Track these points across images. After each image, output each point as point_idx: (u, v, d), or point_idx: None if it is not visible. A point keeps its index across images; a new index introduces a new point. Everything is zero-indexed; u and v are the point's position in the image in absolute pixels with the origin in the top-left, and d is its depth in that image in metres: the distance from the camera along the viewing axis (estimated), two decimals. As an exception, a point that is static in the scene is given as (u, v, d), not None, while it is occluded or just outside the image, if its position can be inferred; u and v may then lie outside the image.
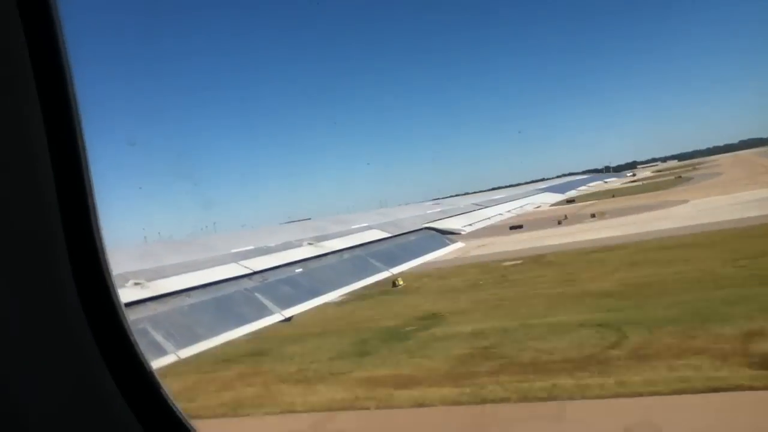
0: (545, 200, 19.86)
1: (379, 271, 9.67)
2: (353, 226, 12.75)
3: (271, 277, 7.98)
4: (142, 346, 3.01)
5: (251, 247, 9.27)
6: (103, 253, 2.56)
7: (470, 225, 14.89)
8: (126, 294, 5.66)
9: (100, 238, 2.52)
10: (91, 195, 2.47)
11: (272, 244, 9.86)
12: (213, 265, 7.84)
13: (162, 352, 4.98)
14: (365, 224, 13.07)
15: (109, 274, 2.57)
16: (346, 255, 10.02)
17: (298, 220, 17.19)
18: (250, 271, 7.82)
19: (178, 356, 5.01)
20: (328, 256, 9.67)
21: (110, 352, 2.57)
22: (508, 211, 17.70)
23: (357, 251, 10.45)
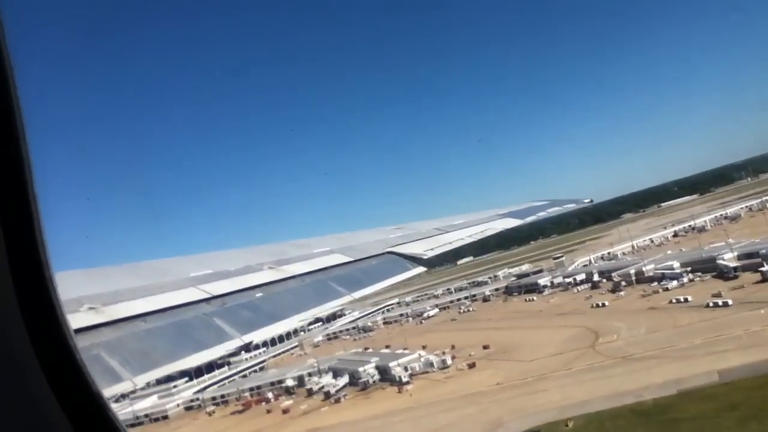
0: (505, 225, 20.14)
1: (341, 295, 9.63)
2: (314, 251, 12.69)
3: (231, 301, 7.86)
4: (97, 373, 2.93)
5: (210, 271, 9.13)
6: (51, 276, 2.48)
7: (432, 249, 14.98)
8: (80, 319, 5.50)
9: (47, 257, 2.42)
10: (37, 209, 2.34)
11: (232, 268, 9.74)
12: (171, 290, 7.68)
13: (117, 378, 4.84)
14: (327, 248, 13.03)
15: (57, 297, 2.49)
16: (307, 279, 9.95)
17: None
18: (209, 296, 7.69)
19: (134, 383, 4.88)
20: (289, 281, 9.59)
21: (58, 379, 2.49)
22: (469, 236, 17.88)
23: (318, 275, 10.40)
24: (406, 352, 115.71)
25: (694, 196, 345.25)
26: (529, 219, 21.14)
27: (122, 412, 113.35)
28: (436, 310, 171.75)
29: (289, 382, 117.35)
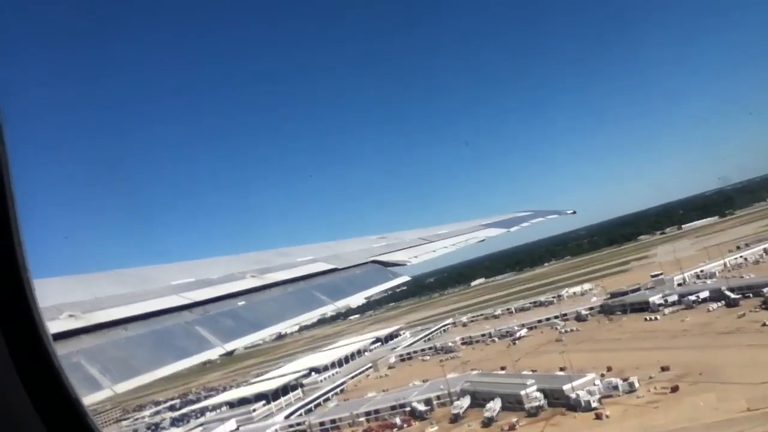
0: (489, 234, 20.24)
1: (324, 303, 9.61)
2: (298, 259, 12.66)
3: (213, 309, 7.82)
4: (77, 380, 2.91)
5: (192, 279, 9.07)
6: (28, 279, 2.44)
7: (416, 257, 14.99)
8: (60, 326, 5.44)
9: (24, 260, 2.38)
10: (14, 211, 2.29)
11: (214, 277, 9.68)
12: (152, 297, 7.62)
13: (97, 386, 4.79)
14: (310, 257, 13.00)
15: (35, 301, 2.46)
16: (290, 288, 9.92)
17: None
18: (191, 303, 7.65)
19: (113, 390, 4.83)
20: (272, 289, 9.56)
21: (36, 386, 2.46)
22: (453, 245, 17.92)
23: (301, 284, 10.37)
24: (573, 374, 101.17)
25: (715, 218, 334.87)
26: (513, 229, 21.26)
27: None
28: (525, 330, 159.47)
29: (419, 406, 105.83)
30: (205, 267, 11.17)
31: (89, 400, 4.32)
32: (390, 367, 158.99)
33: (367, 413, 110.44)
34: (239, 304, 8.39)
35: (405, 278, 13.57)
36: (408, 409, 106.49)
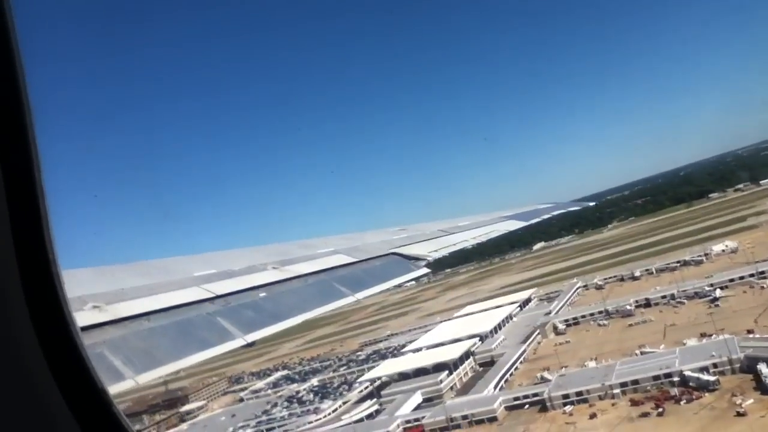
0: (509, 227, 20.14)
1: (344, 295, 9.63)
2: (319, 251, 12.70)
3: (234, 301, 7.88)
4: (100, 371, 2.95)
5: (214, 271, 9.15)
6: (58, 272, 2.49)
7: (436, 251, 14.97)
8: (84, 317, 5.52)
9: (54, 255, 2.43)
10: (44, 206, 2.35)
11: (236, 268, 9.75)
12: (175, 289, 7.71)
13: (120, 377, 4.85)
14: (331, 249, 13.04)
15: (64, 294, 2.50)
16: (311, 279, 9.96)
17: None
18: (213, 295, 7.71)
19: (136, 381, 4.89)
20: (293, 281, 9.60)
21: (64, 376, 2.50)
22: (474, 238, 17.87)
23: (322, 276, 10.41)
24: None
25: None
26: (533, 221, 21.13)
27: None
28: (719, 290, 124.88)
29: (699, 375, 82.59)
30: (228, 258, 11.27)
31: (112, 390, 4.38)
32: (559, 333, 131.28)
33: (623, 384, 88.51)
34: (260, 295, 8.45)
35: (425, 270, 13.56)
36: (676, 378, 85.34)
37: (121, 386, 4.76)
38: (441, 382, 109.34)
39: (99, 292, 6.58)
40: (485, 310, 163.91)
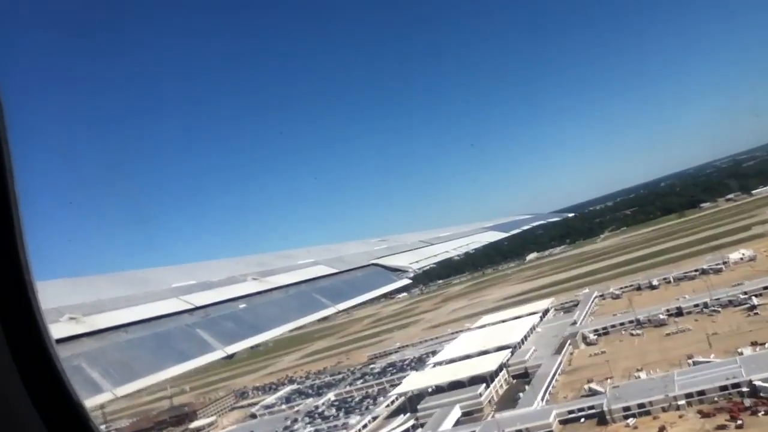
0: (489, 238, 20.24)
1: (325, 306, 9.59)
2: (299, 261, 12.65)
3: (214, 312, 7.81)
4: (78, 383, 2.90)
5: (193, 282, 9.06)
6: (31, 282, 2.44)
7: (417, 262, 14.98)
8: (61, 329, 5.43)
9: (27, 264, 2.38)
10: (17, 213, 2.29)
11: (215, 279, 9.67)
12: (153, 300, 7.62)
13: (98, 389, 4.77)
14: (311, 260, 13.00)
15: (38, 304, 2.45)
16: (291, 290, 9.91)
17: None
18: (192, 306, 7.63)
19: (114, 394, 4.82)
20: (273, 292, 9.55)
21: (38, 390, 2.45)
22: (455, 249, 17.93)
23: (303, 287, 10.36)
24: None
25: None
26: (514, 232, 21.28)
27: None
28: (755, 298, 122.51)
29: None
30: (207, 269, 11.17)
31: (90, 403, 4.31)
32: (590, 344, 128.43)
33: (688, 395, 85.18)
34: (240, 307, 8.39)
35: (407, 281, 13.56)
36: (746, 389, 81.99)
37: (100, 398, 4.68)
38: (480, 395, 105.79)
39: (75, 303, 6.47)
40: (504, 321, 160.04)
